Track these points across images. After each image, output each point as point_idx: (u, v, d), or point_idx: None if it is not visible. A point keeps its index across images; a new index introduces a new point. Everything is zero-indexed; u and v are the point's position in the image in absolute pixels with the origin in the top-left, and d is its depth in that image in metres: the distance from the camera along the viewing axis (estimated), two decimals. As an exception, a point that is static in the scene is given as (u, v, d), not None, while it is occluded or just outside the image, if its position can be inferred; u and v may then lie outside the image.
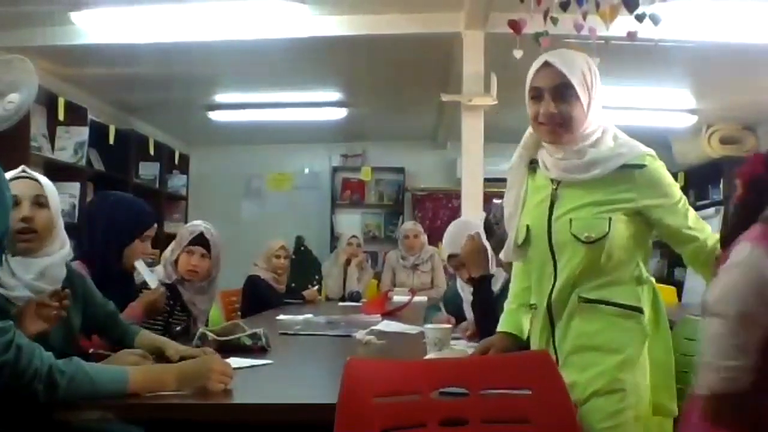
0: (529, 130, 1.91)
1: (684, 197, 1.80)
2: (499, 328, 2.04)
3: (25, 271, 1.89)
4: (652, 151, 1.78)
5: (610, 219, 1.72)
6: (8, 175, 1.95)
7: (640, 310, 1.75)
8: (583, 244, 1.73)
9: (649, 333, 1.76)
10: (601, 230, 1.72)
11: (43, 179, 2.04)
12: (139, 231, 2.67)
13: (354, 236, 5.83)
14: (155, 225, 2.80)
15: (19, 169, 2.03)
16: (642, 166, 1.75)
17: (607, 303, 1.74)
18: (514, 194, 1.91)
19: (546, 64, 1.80)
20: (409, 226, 5.94)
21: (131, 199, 2.89)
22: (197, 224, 3.14)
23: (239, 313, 4.79)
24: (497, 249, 2.68)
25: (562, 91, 1.75)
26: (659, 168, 1.77)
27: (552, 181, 1.83)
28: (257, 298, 4.64)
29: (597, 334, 1.74)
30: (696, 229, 1.77)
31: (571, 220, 1.75)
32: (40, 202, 1.98)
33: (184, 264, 3.04)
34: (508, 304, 2.06)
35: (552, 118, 1.77)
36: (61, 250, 2.01)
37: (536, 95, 1.80)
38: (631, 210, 1.75)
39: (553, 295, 1.79)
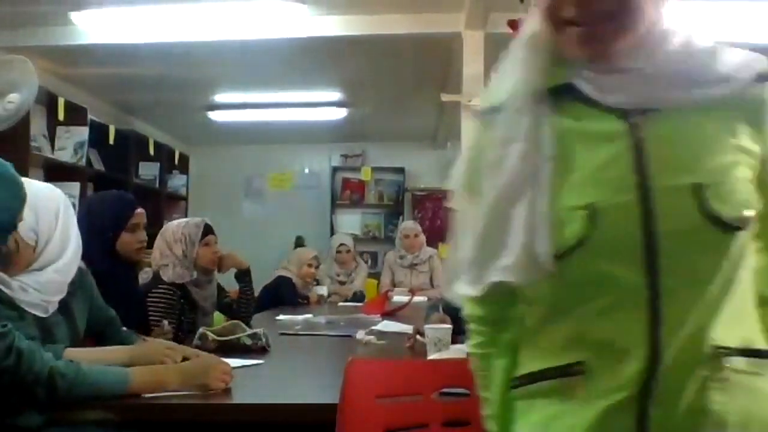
0: (534, 27, 0.99)
1: None
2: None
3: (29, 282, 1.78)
4: None
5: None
6: None
7: None
8: (730, 232, 0.87)
9: None
10: (754, 200, 0.90)
11: None
12: (119, 223, 2.59)
13: (342, 244, 5.69)
14: (137, 211, 2.65)
15: None
16: None
17: (753, 353, 0.90)
18: (518, 150, 0.93)
19: None
20: (409, 225, 5.91)
21: (105, 195, 2.84)
22: (190, 218, 3.18)
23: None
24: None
25: None
26: None
27: (624, 114, 0.91)
28: (279, 296, 4.64)
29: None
30: None
31: (701, 187, 0.87)
32: None
33: (208, 255, 3.05)
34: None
35: (589, 5, 0.90)
36: (55, 263, 1.85)
37: None
38: (757, 163, 0.93)
39: (666, 355, 0.86)
